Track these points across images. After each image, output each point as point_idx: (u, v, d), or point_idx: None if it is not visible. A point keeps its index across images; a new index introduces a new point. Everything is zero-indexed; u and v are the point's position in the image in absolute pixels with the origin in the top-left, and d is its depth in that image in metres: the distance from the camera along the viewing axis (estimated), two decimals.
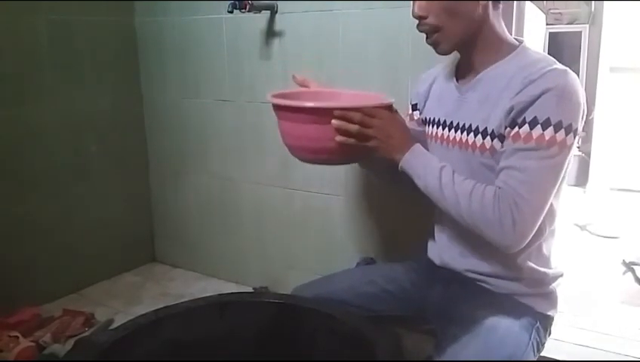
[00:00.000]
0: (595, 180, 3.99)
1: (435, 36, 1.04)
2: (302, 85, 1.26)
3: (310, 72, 1.32)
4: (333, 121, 1.02)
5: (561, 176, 1.00)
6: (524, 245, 1.00)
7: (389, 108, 1.09)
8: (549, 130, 0.94)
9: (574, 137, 0.97)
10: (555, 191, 0.99)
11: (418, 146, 1.07)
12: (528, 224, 0.98)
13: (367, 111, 1.03)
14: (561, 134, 0.94)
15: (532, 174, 0.96)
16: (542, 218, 0.99)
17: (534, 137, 0.95)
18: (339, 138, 1.03)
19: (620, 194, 3.92)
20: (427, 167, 1.05)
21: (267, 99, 1.12)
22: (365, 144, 1.04)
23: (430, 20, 1.02)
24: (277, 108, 1.12)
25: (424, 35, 1.07)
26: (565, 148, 0.96)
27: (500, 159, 1.01)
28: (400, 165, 1.06)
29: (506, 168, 0.98)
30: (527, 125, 0.96)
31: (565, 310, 1.75)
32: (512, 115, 0.98)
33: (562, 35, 5.05)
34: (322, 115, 1.03)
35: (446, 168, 1.04)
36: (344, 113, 1.01)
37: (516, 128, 0.97)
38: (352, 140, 1.03)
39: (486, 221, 0.98)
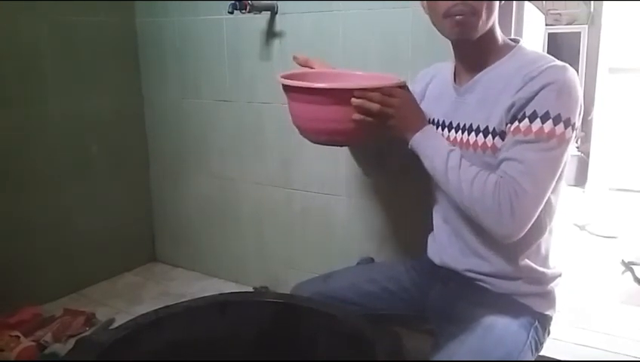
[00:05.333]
0: (594, 180, 3.99)
1: (469, 18, 0.98)
2: (304, 65, 1.23)
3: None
4: (354, 100, 1.01)
5: (560, 169, 1.00)
6: (521, 235, 1.00)
7: (403, 87, 1.09)
8: (548, 123, 0.95)
9: (572, 131, 0.98)
10: (553, 184, 1.00)
11: (430, 127, 1.08)
12: (526, 214, 0.98)
13: (387, 91, 1.03)
14: (560, 128, 0.96)
15: (531, 165, 0.96)
16: (540, 210, 1.00)
17: (534, 130, 0.96)
18: (357, 116, 1.02)
19: (619, 194, 3.92)
20: (436, 148, 1.05)
21: (278, 80, 1.09)
22: (383, 123, 1.04)
23: (472, 2, 0.97)
24: (290, 89, 1.09)
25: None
26: (564, 141, 0.97)
27: (500, 152, 1.01)
28: (410, 144, 1.07)
29: (506, 159, 0.99)
30: (527, 119, 0.97)
31: (565, 310, 1.76)
32: (512, 111, 0.99)
33: (561, 36, 5.05)
34: (342, 96, 1.02)
35: (454, 152, 1.04)
36: (364, 93, 1.01)
37: (516, 123, 0.98)
38: (369, 119, 1.02)
39: (485, 208, 0.99)
